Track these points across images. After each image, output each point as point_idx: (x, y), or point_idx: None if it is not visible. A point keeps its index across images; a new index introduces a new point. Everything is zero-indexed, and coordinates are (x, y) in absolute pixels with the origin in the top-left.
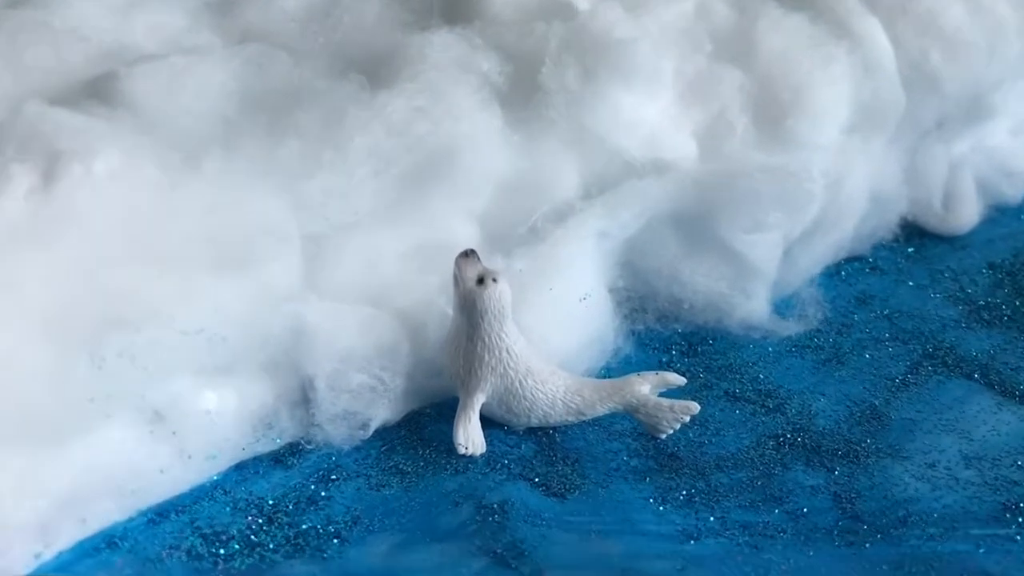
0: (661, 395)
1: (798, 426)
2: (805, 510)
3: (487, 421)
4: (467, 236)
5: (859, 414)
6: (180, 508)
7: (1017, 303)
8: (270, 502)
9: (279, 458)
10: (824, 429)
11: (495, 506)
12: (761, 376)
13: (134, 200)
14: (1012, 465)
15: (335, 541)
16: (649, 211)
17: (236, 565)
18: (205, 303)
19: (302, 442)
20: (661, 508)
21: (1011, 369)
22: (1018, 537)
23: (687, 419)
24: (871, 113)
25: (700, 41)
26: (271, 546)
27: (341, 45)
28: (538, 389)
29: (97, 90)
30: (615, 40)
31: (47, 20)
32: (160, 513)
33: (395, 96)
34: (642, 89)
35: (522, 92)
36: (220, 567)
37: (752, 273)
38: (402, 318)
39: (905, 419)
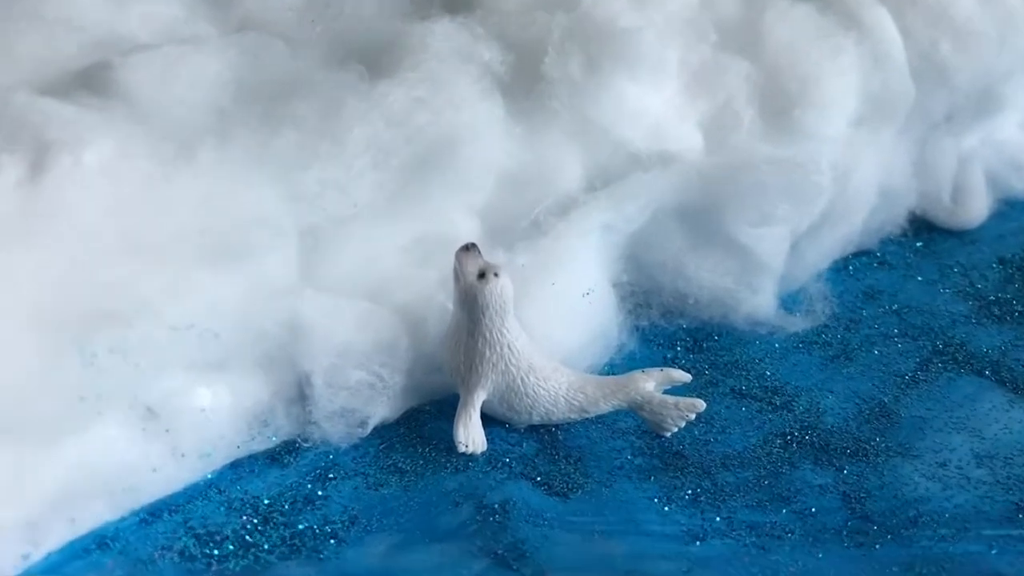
0: (666, 392)
1: (806, 424)
2: (813, 510)
3: (488, 419)
4: (468, 229)
5: (868, 412)
6: (173, 508)
7: None
8: (265, 502)
9: (275, 456)
10: (832, 427)
11: (496, 506)
12: (768, 373)
13: (125, 192)
14: None
15: (332, 542)
16: (654, 204)
17: (230, 566)
18: (198, 297)
19: (298, 440)
20: (666, 508)
21: (1023, 366)
22: None
23: (692, 417)
24: (880, 104)
25: (705, 30)
26: (266, 547)
27: (340, 34)
28: (540, 386)
29: (89, 80)
30: (619, 29)
31: (39, 10)
32: (152, 513)
33: (395, 86)
34: (647, 79)
35: (524, 82)
36: (214, 568)
37: (758, 267)
38: (401, 313)
39: (915, 417)
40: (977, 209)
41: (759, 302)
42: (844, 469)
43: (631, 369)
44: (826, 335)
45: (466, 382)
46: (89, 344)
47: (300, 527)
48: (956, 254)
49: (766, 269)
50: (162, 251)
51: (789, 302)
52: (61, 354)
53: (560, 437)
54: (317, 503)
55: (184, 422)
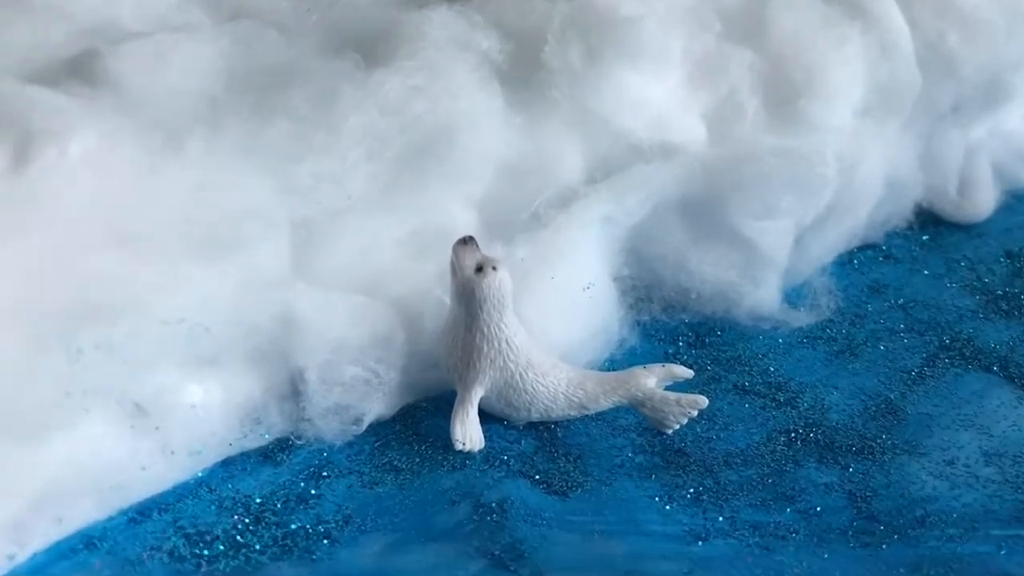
0: (667, 388)
1: (810, 421)
2: (818, 509)
3: (486, 416)
4: (466, 222)
5: (874, 408)
6: (162, 507)
7: None
8: (257, 500)
9: (267, 454)
10: (837, 424)
11: (494, 505)
12: (771, 369)
13: (112, 182)
14: None
15: (325, 542)
16: (656, 196)
17: (221, 567)
18: (188, 291)
19: (291, 437)
20: (667, 507)
21: None
22: None
23: (694, 413)
24: (886, 95)
25: (709, 19)
26: (258, 547)
27: (336, 22)
28: (539, 382)
29: (78, 69)
30: (621, 17)
31: None
32: (141, 512)
33: (391, 74)
34: (648, 69)
35: (524, 71)
36: (204, 569)
37: (762, 261)
38: (397, 307)
39: (922, 414)
40: (984, 202)
41: (762, 296)
42: (850, 467)
43: (632, 365)
44: (831, 330)
45: (463, 378)
46: (75, 339)
47: (293, 527)
48: (963, 248)
49: (770, 263)
50: (151, 243)
51: (793, 296)
52: (46, 349)
53: (559, 434)
54: (310, 502)
55: (174, 419)
